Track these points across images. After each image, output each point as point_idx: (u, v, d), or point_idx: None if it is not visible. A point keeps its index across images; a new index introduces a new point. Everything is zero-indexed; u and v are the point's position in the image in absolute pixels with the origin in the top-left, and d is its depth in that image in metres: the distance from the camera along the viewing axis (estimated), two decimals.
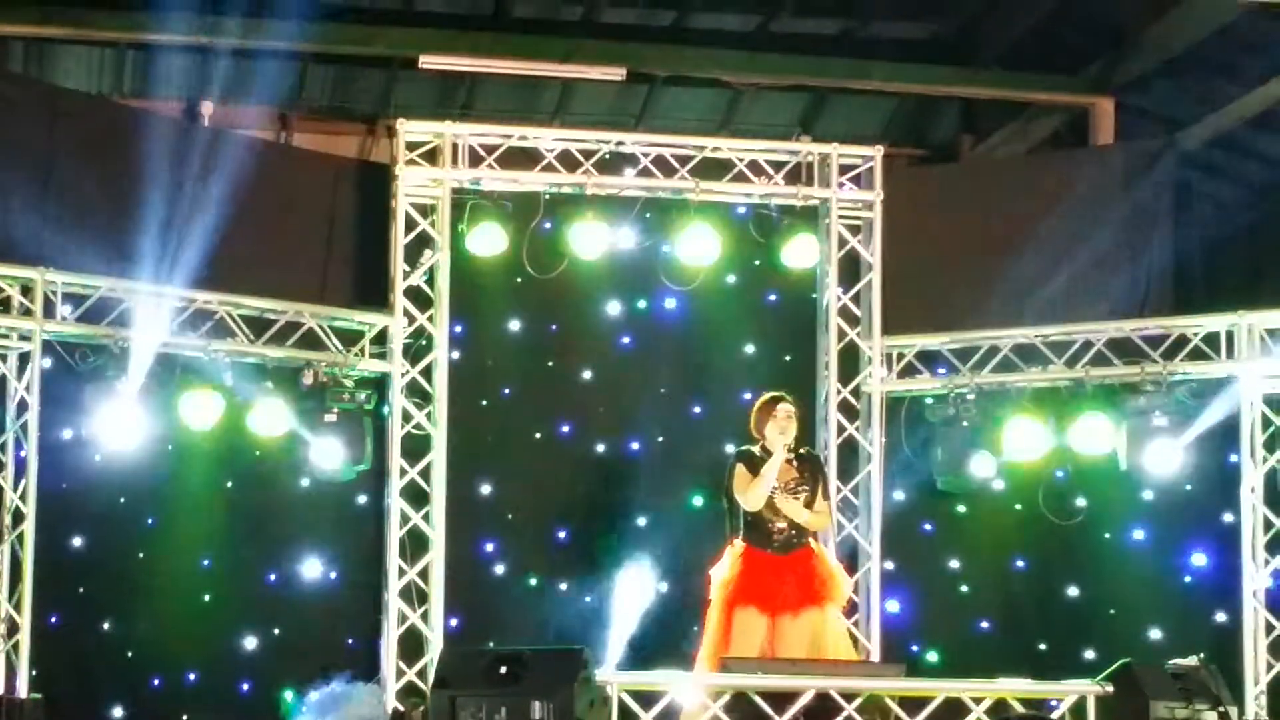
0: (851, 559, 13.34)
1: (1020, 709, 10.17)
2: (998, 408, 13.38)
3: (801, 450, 10.92)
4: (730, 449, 11.47)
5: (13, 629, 11.70)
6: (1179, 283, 14.25)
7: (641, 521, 13.57)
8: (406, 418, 13.01)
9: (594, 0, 14.73)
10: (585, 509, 13.57)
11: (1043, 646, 13.48)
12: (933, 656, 13.50)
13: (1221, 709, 10.17)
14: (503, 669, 9.78)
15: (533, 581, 13.45)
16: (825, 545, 11.32)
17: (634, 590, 13.24)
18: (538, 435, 13.54)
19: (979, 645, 13.42)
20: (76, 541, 12.44)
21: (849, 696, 10.07)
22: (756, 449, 10.78)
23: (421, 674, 12.67)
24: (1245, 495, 12.99)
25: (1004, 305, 13.69)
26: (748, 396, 12.70)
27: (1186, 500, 13.43)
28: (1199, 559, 13.51)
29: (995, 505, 13.64)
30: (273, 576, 12.93)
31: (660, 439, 13.67)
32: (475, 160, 13.29)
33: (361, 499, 13.18)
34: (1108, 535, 13.59)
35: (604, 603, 13.25)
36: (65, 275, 12.13)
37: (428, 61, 14.56)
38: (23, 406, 11.93)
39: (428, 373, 13.11)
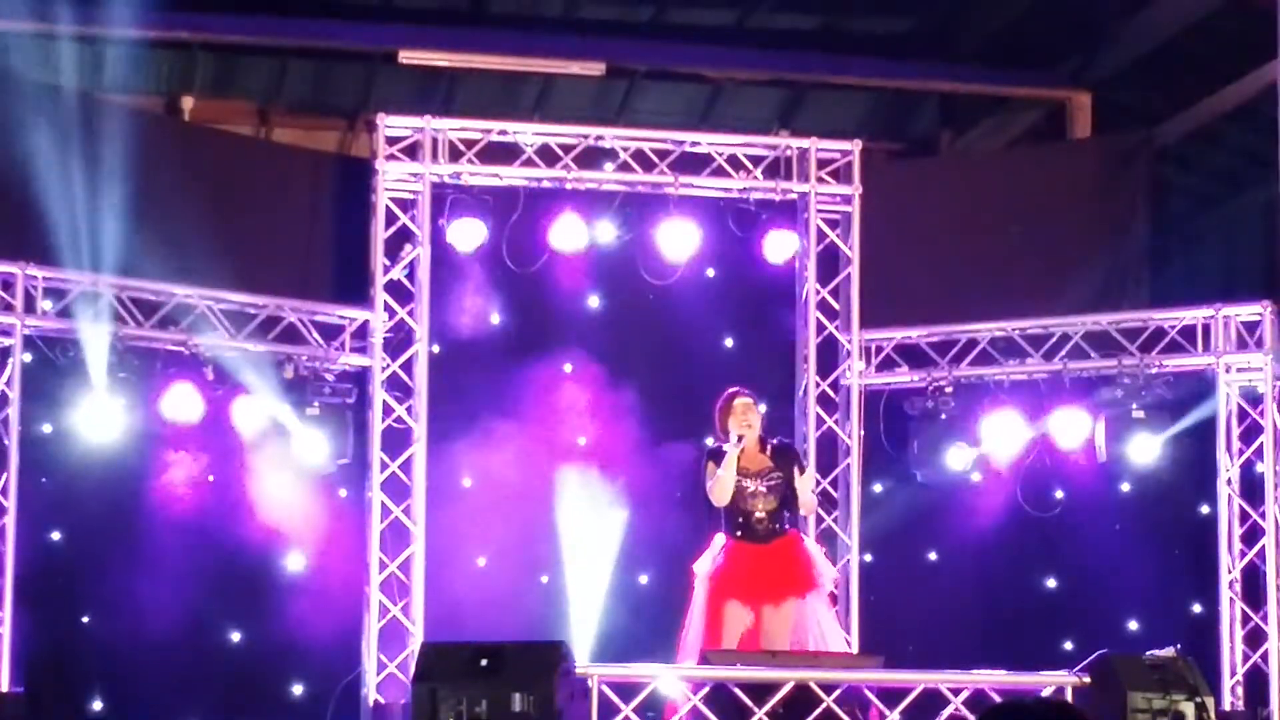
0: (830, 551, 13.40)
1: (998, 700, 10.24)
2: (975, 400, 13.45)
3: (774, 441, 11.02)
4: (710, 442, 11.53)
5: None
6: (1156, 276, 14.32)
7: (623, 514, 13.61)
8: (387, 411, 13.04)
9: None
10: (565, 502, 13.58)
11: (1020, 638, 13.53)
12: (911, 648, 13.54)
13: (1198, 699, 10.25)
14: (483, 662, 9.83)
15: (513, 574, 13.47)
16: (806, 531, 11.37)
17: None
18: (519, 429, 13.56)
19: (957, 636, 13.46)
20: (56, 535, 12.45)
21: (828, 688, 10.15)
22: (724, 445, 10.89)
23: (402, 667, 12.69)
24: (1222, 487, 13.05)
25: (982, 299, 13.75)
26: (728, 390, 12.76)
27: (1163, 492, 13.48)
28: (1176, 551, 13.57)
29: (973, 497, 13.69)
30: (255, 570, 12.92)
31: (640, 432, 13.69)
32: (455, 155, 13.31)
33: (343, 492, 13.20)
34: (1085, 527, 13.64)
35: (582, 595, 13.30)
36: (46, 270, 12.14)
37: (408, 56, 14.57)
38: (3, 401, 11.94)
39: (408, 366, 13.14)
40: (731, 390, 11.17)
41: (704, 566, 10.83)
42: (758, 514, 10.80)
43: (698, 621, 10.78)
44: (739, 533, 10.80)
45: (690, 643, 10.83)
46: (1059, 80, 15.18)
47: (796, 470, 10.96)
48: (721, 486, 10.72)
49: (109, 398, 12.14)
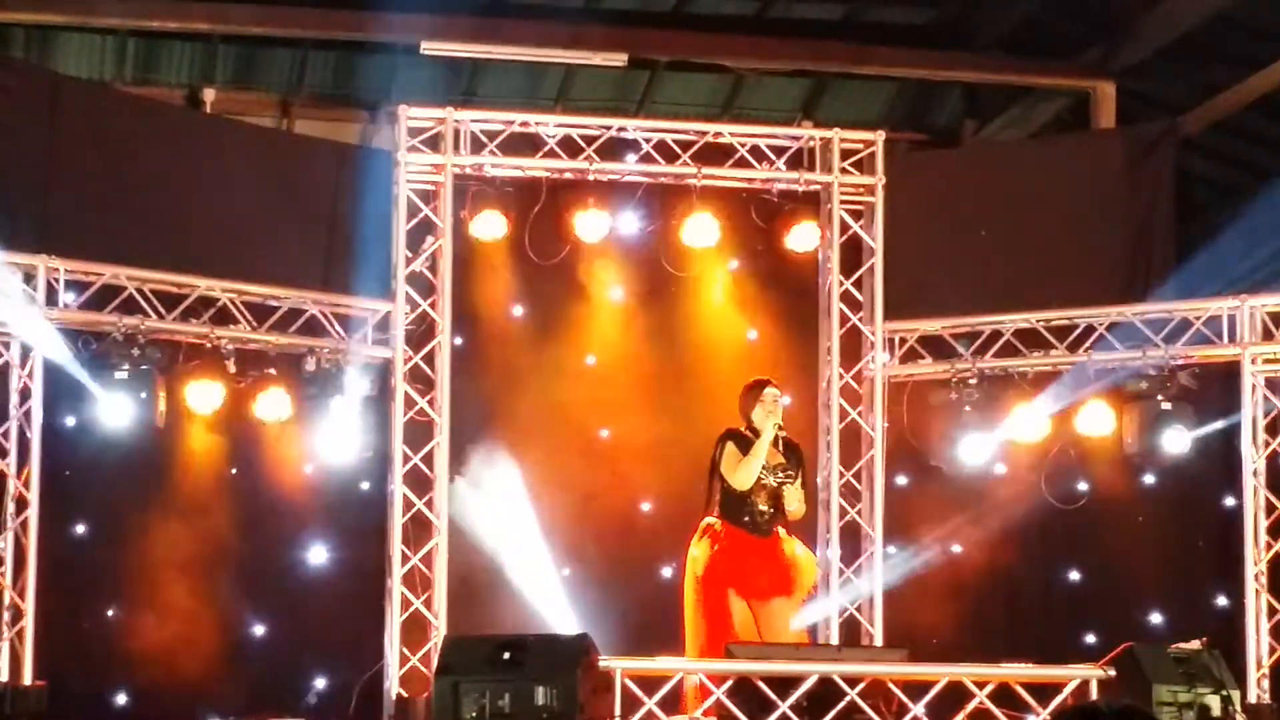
0: (854, 543, 13.37)
1: (1023, 693, 10.21)
2: (1000, 392, 13.40)
3: (785, 436, 10.99)
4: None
5: (17, 616, 11.72)
6: (1180, 267, 14.26)
7: (645, 507, 13.59)
8: (409, 404, 13.02)
9: None
10: (587, 494, 13.56)
11: (1045, 631, 13.49)
12: (935, 641, 13.51)
13: (1224, 693, 10.21)
14: (506, 655, 9.82)
15: (536, 567, 13.44)
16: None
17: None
18: (541, 421, 13.54)
19: (981, 630, 13.43)
20: (80, 528, 12.46)
21: (851, 681, 10.12)
22: (745, 431, 10.84)
23: (425, 660, 12.67)
24: (1247, 479, 13.00)
25: (1006, 289, 13.70)
26: (757, 377, 12.72)
27: (1188, 484, 13.43)
28: (1201, 543, 13.52)
29: (997, 489, 13.64)
30: (277, 563, 12.93)
31: (662, 424, 13.66)
32: (477, 146, 13.29)
33: (365, 485, 13.18)
34: (1109, 519, 13.60)
35: (605, 588, 13.28)
36: (68, 262, 12.14)
37: (429, 47, 14.54)
38: (26, 394, 11.95)
39: (430, 359, 13.12)
40: (761, 378, 11.13)
41: (702, 551, 10.79)
42: (762, 506, 10.81)
43: (703, 609, 10.74)
44: (739, 521, 10.79)
45: (698, 631, 10.78)
46: (1083, 70, 15.11)
47: (799, 481, 10.90)
48: (749, 470, 10.71)
49: (130, 391, 12.13)
